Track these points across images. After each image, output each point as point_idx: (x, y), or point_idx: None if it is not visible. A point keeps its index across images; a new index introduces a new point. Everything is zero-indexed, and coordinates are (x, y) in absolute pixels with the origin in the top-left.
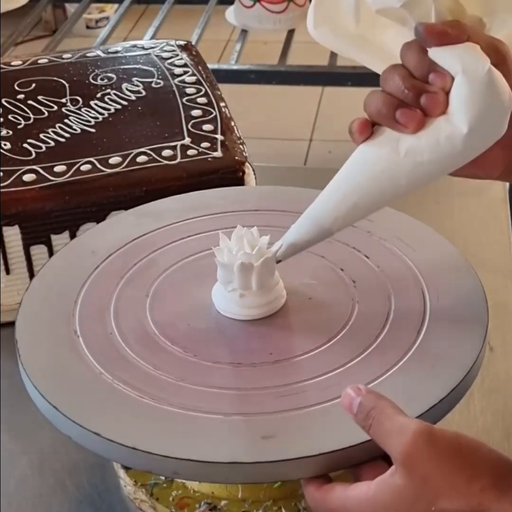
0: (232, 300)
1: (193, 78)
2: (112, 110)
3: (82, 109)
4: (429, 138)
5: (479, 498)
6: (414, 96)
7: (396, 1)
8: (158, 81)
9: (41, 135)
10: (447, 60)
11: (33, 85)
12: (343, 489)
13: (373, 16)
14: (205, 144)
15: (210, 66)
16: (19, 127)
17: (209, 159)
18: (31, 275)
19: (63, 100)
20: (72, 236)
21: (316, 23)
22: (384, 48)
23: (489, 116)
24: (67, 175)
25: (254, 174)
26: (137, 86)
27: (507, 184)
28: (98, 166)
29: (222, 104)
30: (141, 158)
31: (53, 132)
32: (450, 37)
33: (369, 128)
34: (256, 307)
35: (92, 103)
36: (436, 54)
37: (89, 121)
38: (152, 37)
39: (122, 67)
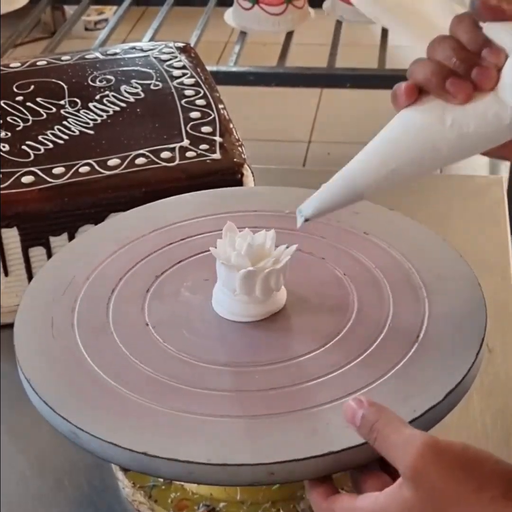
0: (232, 302)
1: (191, 80)
2: (111, 112)
3: (81, 111)
4: (476, 111)
5: (489, 507)
6: (465, 68)
7: None
8: (157, 83)
9: (40, 137)
10: (502, 36)
11: (32, 87)
12: (351, 500)
13: None
14: (203, 146)
15: (209, 67)
16: (17, 129)
17: (207, 161)
18: (30, 276)
19: (62, 102)
20: (71, 237)
21: None
22: (424, 18)
23: None
24: (66, 177)
25: (253, 176)
26: (136, 88)
27: (506, 184)
28: (97, 167)
29: (220, 106)
30: (140, 160)
31: (52, 134)
32: (505, 13)
33: (416, 93)
34: (256, 309)
35: (90, 105)
36: (491, 29)
37: (88, 123)
38: (151, 39)
39: (120, 69)
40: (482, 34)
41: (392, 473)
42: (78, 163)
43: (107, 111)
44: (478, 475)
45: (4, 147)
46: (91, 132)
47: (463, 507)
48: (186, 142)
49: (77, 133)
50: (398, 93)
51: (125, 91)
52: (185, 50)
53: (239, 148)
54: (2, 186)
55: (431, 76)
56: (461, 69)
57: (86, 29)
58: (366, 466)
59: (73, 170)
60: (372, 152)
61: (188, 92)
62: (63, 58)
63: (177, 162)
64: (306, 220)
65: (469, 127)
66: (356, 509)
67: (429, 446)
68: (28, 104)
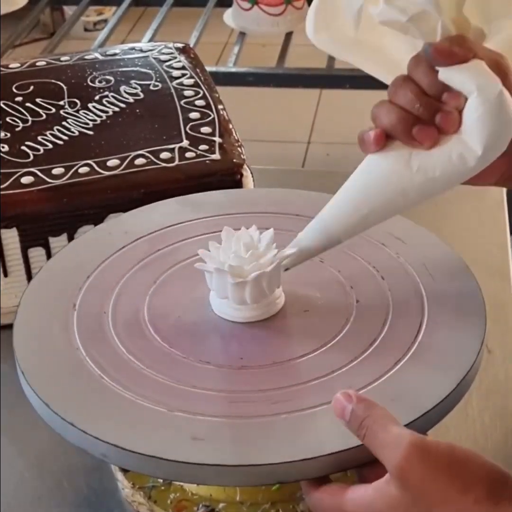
0: (228, 303)
1: (191, 81)
2: (110, 113)
3: (80, 112)
4: (441, 154)
5: (473, 508)
6: (429, 114)
7: (402, 15)
8: (156, 83)
9: (39, 138)
10: (459, 80)
11: (31, 87)
12: (341, 490)
13: (373, 23)
14: (203, 147)
15: (208, 68)
16: (17, 129)
17: (207, 161)
18: (29, 277)
19: (61, 103)
20: (70, 238)
21: (316, 28)
22: (384, 54)
23: (500, 135)
24: (65, 178)
25: (252, 176)
26: (135, 88)
27: None
28: (96, 168)
29: (220, 106)
30: (139, 161)
31: (51, 134)
32: (458, 56)
33: (384, 140)
34: (252, 311)
35: (90, 105)
36: (447, 74)
37: (87, 124)
38: (150, 40)
39: (120, 69)
40: (438, 77)
41: None
42: (77, 164)
43: (106, 112)
44: (464, 476)
45: (3, 147)
46: (91, 132)
47: (448, 507)
48: (185, 143)
49: (77, 133)
50: (366, 139)
51: (125, 91)
52: (185, 50)
53: (239, 149)
54: (1, 186)
55: (397, 123)
56: (424, 115)
57: (86, 29)
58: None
59: (72, 171)
60: (344, 199)
61: (187, 93)
62: (63, 58)
63: (176, 162)
64: (286, 269)
65: (435, 171)
66: (347, 500)
67: (416, 446)
68: (28, 104)
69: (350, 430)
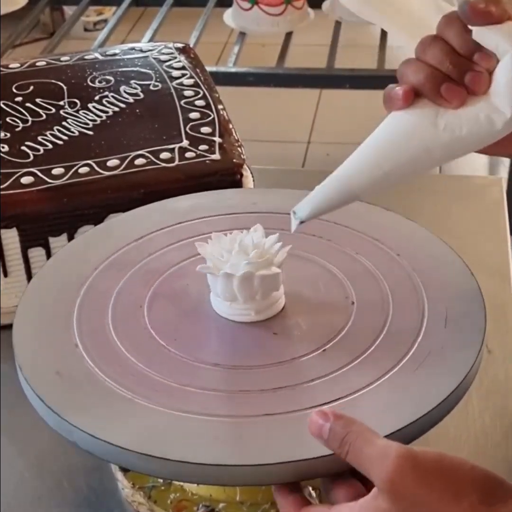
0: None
1: (191, 81)
2: (110, 113)
3: (80, 112)
4: (469, 115)
5: None
6: (458, 73)
7: None
8: (156, 83)
9: (39, 138)
10: (493, 41)
11: (31, 87)
12: (325, 510)
13: None
14: (203, 147)
15: (208, 68)
16: (17, 129)
17: (207, 161)
18: (29, 277)
19: (61, 103)
20: (70, 238)
21: None
22: (408, 13)
23: None
24: (65, 178)
25: (252, 176)
26: (135, 88)
27: (505, 185)
28: (96, 168)
29: (220, 106)
30: (139, 161)
31: (51, 134)
32: (494, 17)
33: (413, 97)
34: (255, 310)
35: (90, 105)
36: (481, 34)
37: (87, 124)
38: (150, 40)
39: (120, 69)
40: (470, 37)
41: (363, 479)
42: (77, 164)
43: (106, 112)
44: (455, 483)
45: (3, 147)
46: (91, 132)
47: None
48: (185, 143)
49: (77, 133)
50: (394, 96)
51: (125, 91)
52: (185, 50)
53: (239, 149)
54: (1, 186)
55: (425, 80)
56: (454, 74)
57: (85, 29)
58: (339, 474)
59: (72, 171)
60: (366, 153)
61: (187, 93)
62: (63, 58)
63: (176, 162)
64: (302, 222)
65: (462, 130)
66: None
67: (405, 458)
68: (28, 104)
69: (330, 448)
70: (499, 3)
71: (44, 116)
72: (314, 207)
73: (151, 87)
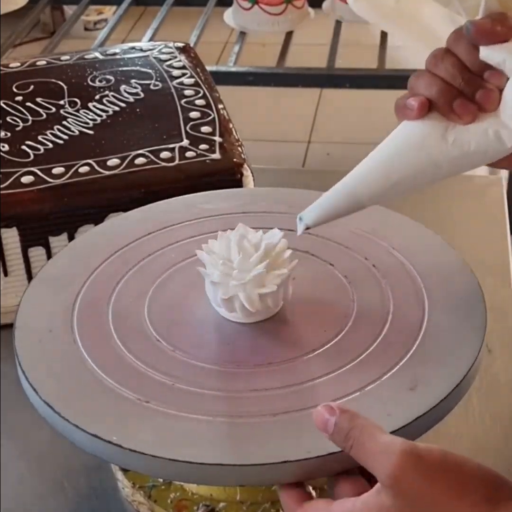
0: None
1: (191, 80)
2: (111, 112)
3: (80, 111)
4: (478, 130)
5: None
6: (470, 89)
7: None
8: (157, 83)
9: (40, 137)
10: (500, 59)
11: (31, 87)
12: (326, 505)
13: None
14: (203, 146)
15: (209, 68)
16: (17, 129)
17: (207, 161)
18: (30, 277)
19: (61, 102)
20: (70, 238)
21: None
22: (421, 24)
23: None
24: (65, 177)
25: (253, 176)
26: (136, 88)
27: (505, 185)
28: (96, 168)
29: (220, 106)
30: (140, 160)
31: (52, 134)
32: (500, 35)
33: (427, 109)
34: (251, 313)
35: (90, 105)
36: (488, 52)
37: (88, 123)
38: (151, 39)
39: (120, 69)
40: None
41: (370, 477)
42: (77, 163)
43: (106, 111)
44: (459, 481)
45: (3, 147)
46: (91, 132)
47: None
48: (185, 142)
49: (77, 133)
50: (409, 106)
51: (125, 91)
52: (185, 50)
53: (239, 148)
54: (1, 186)
55: (438, 95)
56: (466, 90)
57: (86, 29)
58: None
59: (72, 170)
60: (374, 163)
61: (187, 92)
62: (63, 58)
63: (176, 162)
64: (308, 228)
65: (470, 146)
66: None
67: (408, 454)
68: (28, 104)
69: (335, 442)
70: (504, 21)
71: (45, 116)
72: (320, 214)
73: (151, 87)
